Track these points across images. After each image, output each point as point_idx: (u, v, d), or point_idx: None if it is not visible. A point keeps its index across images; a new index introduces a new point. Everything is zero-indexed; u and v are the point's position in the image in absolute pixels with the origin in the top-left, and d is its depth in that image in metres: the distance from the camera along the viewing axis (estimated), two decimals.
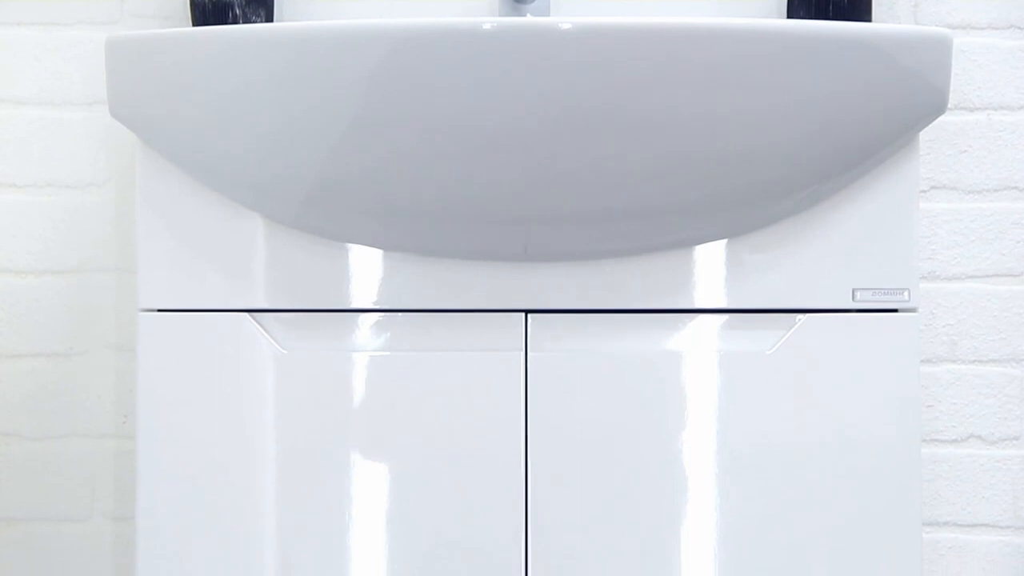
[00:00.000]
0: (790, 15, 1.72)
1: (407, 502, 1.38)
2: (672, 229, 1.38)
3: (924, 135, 1.73)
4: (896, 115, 1.35)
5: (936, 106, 1.35)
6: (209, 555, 1.38)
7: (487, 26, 1.26)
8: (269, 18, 1.73)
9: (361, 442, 1.38)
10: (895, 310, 1.40)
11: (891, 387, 1.39)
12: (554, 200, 1.33)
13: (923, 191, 1.78)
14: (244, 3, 1.72)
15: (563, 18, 1.27)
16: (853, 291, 1.39)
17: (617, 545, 1.37)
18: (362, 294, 1.39)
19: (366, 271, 1.39)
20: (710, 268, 1.39)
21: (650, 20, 1.27)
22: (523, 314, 1.39)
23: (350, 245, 1.39)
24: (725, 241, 1.39)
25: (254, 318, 1.40)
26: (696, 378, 1.38)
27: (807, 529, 1.38)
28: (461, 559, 1.37)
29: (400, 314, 1.40)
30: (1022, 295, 1.78)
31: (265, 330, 1.39)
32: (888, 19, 1.79)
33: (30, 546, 1.81)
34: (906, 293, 1.40)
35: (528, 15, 1.70)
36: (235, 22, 1.71)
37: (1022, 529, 1.77)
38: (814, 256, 1.39)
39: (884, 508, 1.38)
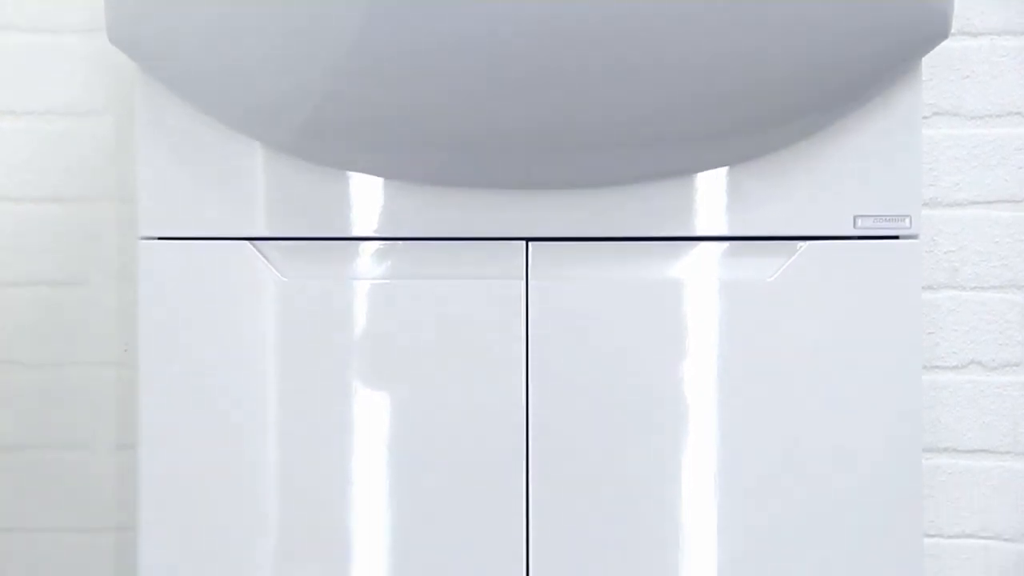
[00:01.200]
0: None
1: (408, 428, 1.38)
2: (673, 156, 1.37)
3: (926, 61, 1.72)
4: (898, 41, 1.34)
5: (938, 31, 1.34)
6: (212, 482, 1.38)
7: None
8: None
9: (362, 369, 1.38)
10: (896, 237, 1.40)
11: (892, 314, 1.39)
12: (556, 127, 1.32)
13: (925, 117, 1.77)
14: None
15: None
16: (855, 218, 1.39)
17: (616, 468, 1.38)
18: (363, 222, 1.39)
19: (367, 199, 1.39)
20: (711, 196, 1.39)
21: None
22: (524, 242, 1.39)
23: (351, 173, 1.39)
24: (726, 169, 1.39)
25: (255, 246, 1.39)
26: (697, 306, 1.38)
27: (808, 454, 1.38)
28: (463, 482, 1.38)
29: (401, 242, 1.39)
30: None
31: (266, 258, 1.39)
32: None
33: (32, 474, 1.82)
34: (908, 220, 1.39)
35: None
36: None
37: (1022, 455, 1.77)
38: (815, 183, 1.39)
39: (885, 434, 1.38)
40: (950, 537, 1.78)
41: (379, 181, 1.39)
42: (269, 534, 1.39)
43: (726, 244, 1.40)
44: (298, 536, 1.38)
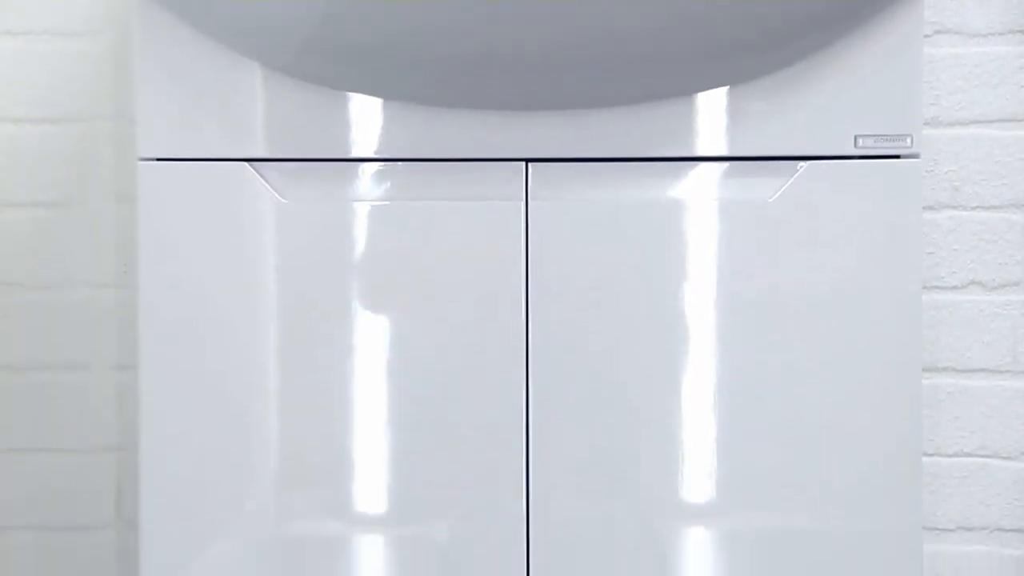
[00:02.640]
0: None
1: (408, 350, 1.39)
2: (674, 75, 1.36)
3: None
4: None
5: None
6: (211, 403, 1.39)
7: None
8: None
9: (362, 291, 1.38)
10: (897, 156, 1.39)
11: (892, 234, 1.38)
12: (555, 46, 1.31)
13: (927, 35, 1.76)
14: None
15: None
16: (855, 138, 1.39)
17: (617, 392, 1.38)
18: (362, 143, 1.39)
19: (366, 120, 1.38)
20: (712, 116, 1.38)
21: None
22: (523, 163, 1.39)
23: (350, 94, 1.38)
24: (727, 88, 1.38)
25: (253, 167, 1.39)
26: (697, 226, 1.38)
27: (808, 375, 1.38)
28: (463, 404, 1.38)
29: (400, 163, 1.39)
30: None
31: (265, 179, 1.39)
32: None
33: (32, 394, 1.82)
34: (908, 139, 1.39)
35: None
36: None
37: (1021, 373, 1.78)
38: (816, 103, 1.38)
39: (885, 353, 1.39)
40: (949, 456, 1.79)
41: (378, 102, 1.38)
42: (269, 457, 1.39)
43: (726, 164, 1.39)
44: (298, 459, 1.39)
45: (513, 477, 1.38)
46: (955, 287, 1.78)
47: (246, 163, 1.39)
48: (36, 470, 1.82)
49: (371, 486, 1.39)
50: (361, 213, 1.39)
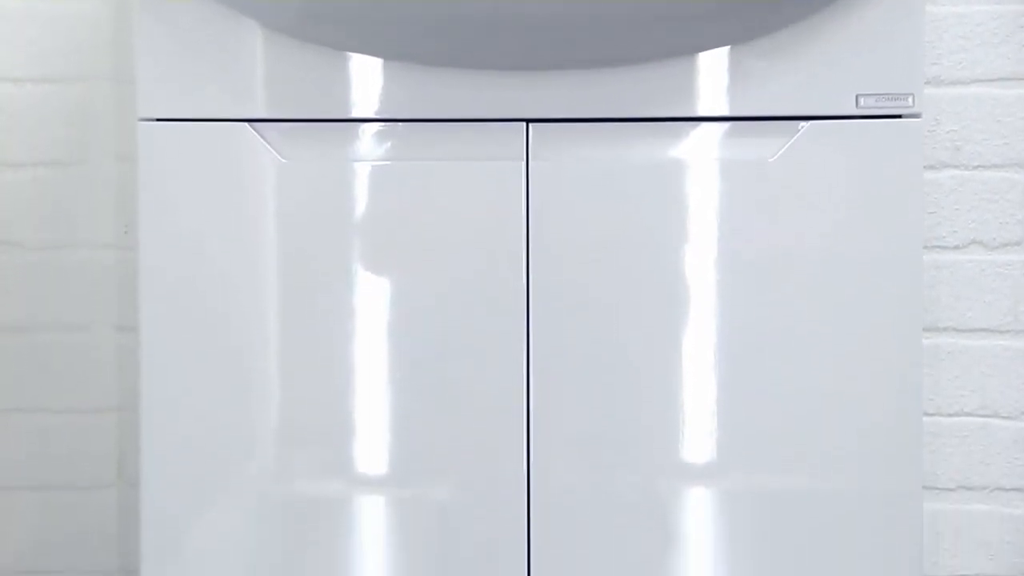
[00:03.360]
0: None
1: (408, 311, 1.39)
2: (675, 35, 1.36)
3: None
4: None
5: None
6: (212, 364, 1.39)
7: None
8: None
9: (362, 251, 1.38)
10: (899, 116, 1.39)
11: (893, 194, 1.38)
12: (556, 5, 1.31)
13: None
14: None
15: None
16: (857, 97, 1.38)
17: (617, 353, 1.38)
18: (362, 104, 1.38)
19: (366, 80, 1.38)
20: (713, 76, 1.38)
21: None
22: (524, 123, 1.38)
23: (350, 54, 1.38)
24: (728, 48, 1.38)
25: (254, 128, 1.39)
26: (698, 186, 1.38)
27: (808, 335, 1.38)
28: (464, 366, 1.38)
29: (401, 124, 1.39)
30: None
31: (265, 140, 1.39)
32: None
33: (34, 355, 1.82)
34: (910, 98, 1.39)
35: None
36: None
37: (1021, 333, 1.78)
38: (817, 62, 1.38)
39: (886, 313, 1.39)
40: (949, 415, 1.79)
41: (378, 62, 1.38)
42: (270, 418, 1.39)
43: (727, 124, 1.39)
44: (298, 419, 1.39)
45: (514, 438, 1.38)
46: (956, 247, 1.78)
47: (246, 123, 1.39)
48: (37, 430, 1.83)
49: (372, 447, 1.39)
50: (361, 173, 1.38)
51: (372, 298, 1.38)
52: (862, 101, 1.38)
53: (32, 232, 1.81)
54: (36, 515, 1.83)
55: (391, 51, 1.37)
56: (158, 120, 1.39)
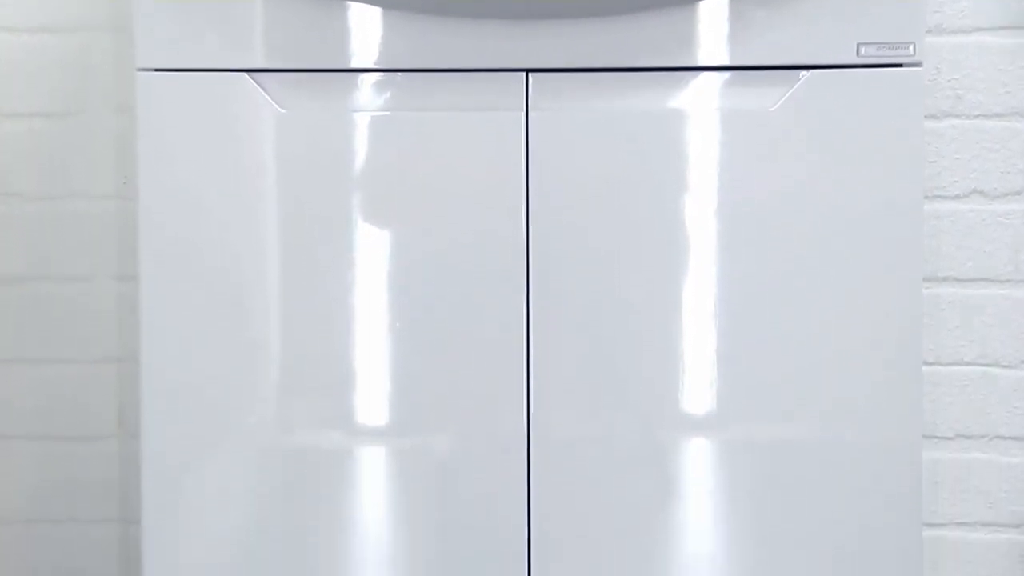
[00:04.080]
0: None
1: (408, 261, 1.39)
2: None
3: None
4: None
5: None
6: (212, 314, 1.39)
7: None
8: None
9: (362, 202, 1.38)
10: (899, 65, 1.38)
11: (894, 143, 1.38)
12: None
13: None
14: None
15: None
16: (858, 46, 1.38)
17: (617, 304, 1.38)
18: (362, 54, 1.38)
19: (366, 30, 1.38)
20: (714, 24, 1.37)
21: None
22: (524, 73, 1.38)
23: (349, 3, 1.37)
24: None
25: (253, 78, 1.38)
26: (698, 136, 1.38)
27: (809, 285, 1.38)
28: (464, 317, 1.38)
29: (400, 74, 1.38)
30: None
31: (264, 90, 1.38)
32: None
33: (35, 305, 1.82)
34: (911, 47, 1.38)
35: None
36: None
37: (1022, 283, 1.78)
38: (818, 11, 1.37)
39: (886, 263, 1.38)
40: (949, 364, 1.79)
41: (378, 11, 1.37)
42: (270, 368, 1.39)
43: (728, 74, 1.39)
44: (298, 369, 1.39)
45: (514, 389, 1.38)
46: (957, 196, 1.77)
47: (245, 73, 1.38)
48: (38, 381, 1.83)
49: (372, 398, 1.39)
50: (361, 124, 1.38)
51: (372, 249, 1.38)
52: (863, 50, 1.38)
53: (31, 183, 1.81)
54: (37, 465, 1.84)
55: (391, 0, 1.37)
56: (156, 70, 1.39)
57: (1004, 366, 1.79)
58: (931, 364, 1.79)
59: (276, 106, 1.38)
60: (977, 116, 1.77)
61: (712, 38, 1.37)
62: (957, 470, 1.81)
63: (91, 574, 1.84)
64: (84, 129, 1.81)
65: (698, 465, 1.40)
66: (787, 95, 1.38)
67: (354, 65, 1.38)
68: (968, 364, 1.79)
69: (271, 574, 1.40)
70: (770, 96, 1.38)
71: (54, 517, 1.84)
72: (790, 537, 1.39)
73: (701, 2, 1.37)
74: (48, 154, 1.81)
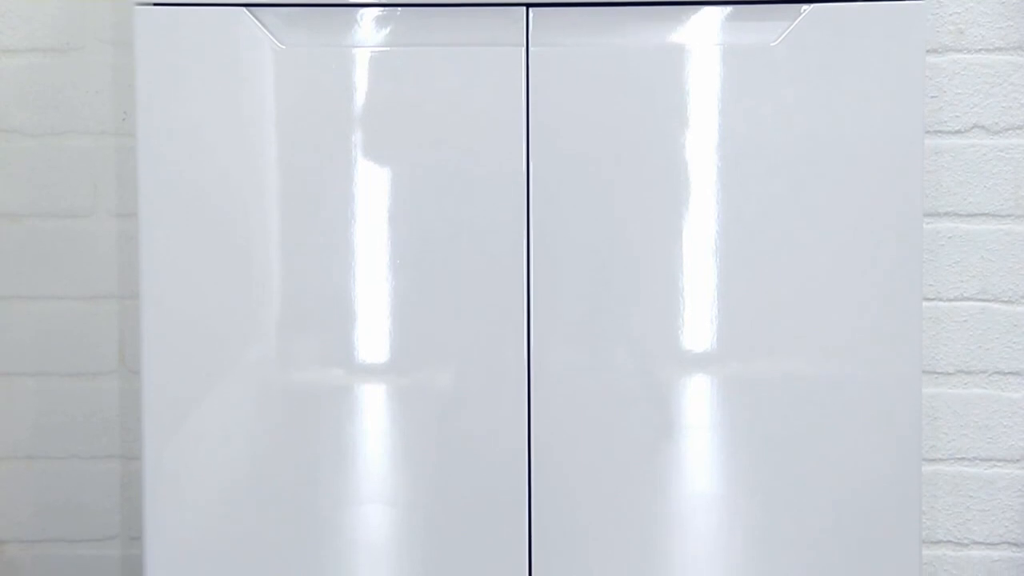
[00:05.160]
0: None
1: (408, 198, 1.38)
2: None
3: None
4: None
5: None
6: (212, 251, 1.39)
7: None
8: None
9: (362, 138, 1.38)
10: None
11: (895, 78, 1.37)
12: None
13: None
14: None
15: None
16: None
17: (618, 240, 1.38)
18: None
19: None
20: None
21: None
22: (524, 8, 1.37)
23: None
24: None
25: (251, 12, 1.38)
26: (699, 71, 1.37)
27: (809, 220, 1.38)
28: (464, 253, 1.38)
29: (400, 8, 1.38)
30: None
31: (263, 25, 1.38)
32: None
33: (35, 241, 1.82)
34: None
35: None
36: None
37: (1022, 218, 1.78)
38: None
39: (886, 198, 1.38)
40: (949, 300, 1.80)
41: None
42: (271, 305, 1.39)
43: (729, 8, 1.38)
44: (300, 305, 1.39)
45: (514, 325, 1.38)
46: (958, 131, 1.77)
47: (244, 8, 1.38)
48: (39, 317, 1.83)
49: (372, 334, 1.39)
50: (360, 59, 1.37)
51: (372, 185, 1.38)
52: None
53: (30, 118, 1.81)
54: (38, 401, 1.85)
55: None
56: (155, 4, 1.38)
57: (1004, 301, 1.79)
58: (931, 300, 1.79)
59: (275, 41, 1.37)
60: (979, 50, 1.76)
61: None
62: (956, 405, 1.81)
63: (93, 510, 1.85)
64: (82, 64, 1.80)
65: (697, 401, 1.40)
66: (789, 29, 1.37)
67: (354, 0, 1.37)
68: (968, 299, 1.79)
69: (272, 510, 1.40)
70: (772, 30, 1.37)
71: (55, 453, 1.85)
72: (789, 473, 1.40)
73: None
74: (46, 90, 1.81)
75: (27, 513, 1.86)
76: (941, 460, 1.82)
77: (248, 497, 1.41)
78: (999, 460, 1.82)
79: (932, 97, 1.76)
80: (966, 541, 1.83)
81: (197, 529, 1.41)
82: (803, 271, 1.38)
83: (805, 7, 1.37)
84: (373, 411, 1.40)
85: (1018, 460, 1.82)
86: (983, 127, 1.77)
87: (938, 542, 1.83)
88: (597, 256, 1.38)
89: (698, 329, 1.39)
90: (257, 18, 1.37)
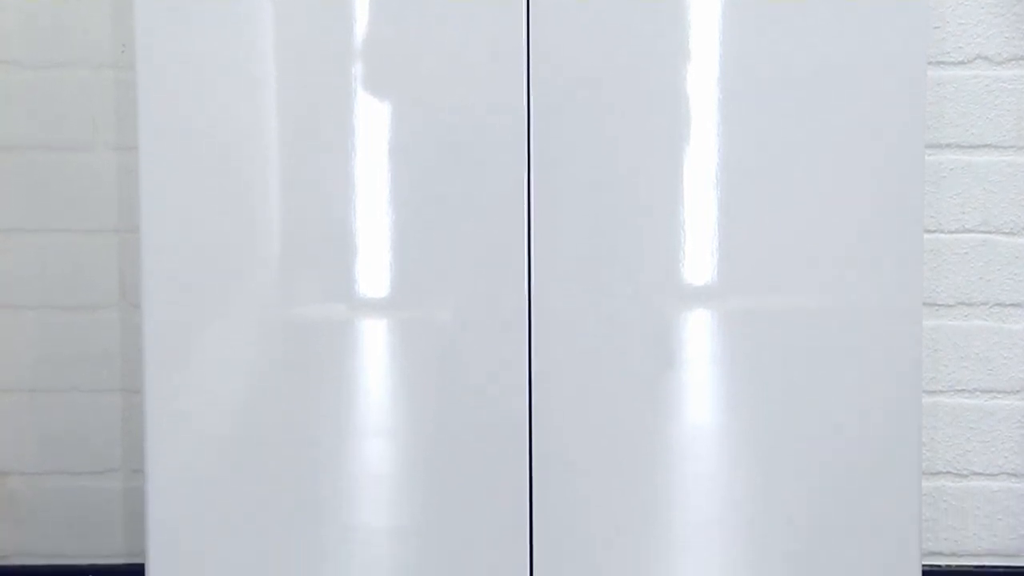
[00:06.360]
0: None
1: (409, 133, 1.38)
2: None
3: None
4: None
5: None
6: (213, 183, 1.38)
7: None
8: None
9: (362, 73, 1.37)
10: None
11: (898, 8, 1.37)
12: None
13: None
14: None
15: None
16: None
17: (619, 173, 1.38)
18: None
19: None
20: None
21: None
22: None
23: None
24: None
25: None
26: (701, 7, 1.37)
27: (808, 151, 1.38)
28: (464, 188, 1.38)
29: None
30: None
31: None
32: None
33: (35, 174, 1.82)
34: None
35: None
36: None
37: (1022, 149, 1.77)
38: None
39: (887, 130, 1.38)
40: (950, 232, 1.79)
41: None
42: (271, 238, 1.39)
43: None
44: (300, 240, 1.39)
45: (515, 259, 1.38)
46: (961, 62, 1.76)
47: None
48: (39, 250, 1.83)
49: (373, 270, 1.39)
50: None
51: (372, 118, 1.38)
52: None
53: (29, 50, 1.80)
54: (40, 334, 1.85)
55: None
56: None
57: (1006, 233, 1.79)
58: (932, 232, 1.79)
59: None
60: None
61: None
62: (957, 337, 1.81)
63: (94, 443, 1.86)
64: None
65: (698, 334, 1.40)
66: None
67: None
68: (969, 231, 1.79)
69: (272, 442, 1.41)
70: None
71: (56, 386, 1.85)
72: (790, 405, 1.40)
73: None
74: (46, 20, 1.80)
75: (29, 445, 1.86)
76: (941, 392, 1.82)
77: (249, 430, 1.41)
78: (999, 392, 1.82)
79: (935, 27, 1.75)
80: (966, 472, 1.84)
81: (198, 462, 1.41)
82: (804, 204, 1.38)
83: None
84: (374, 345, 1.40)
85: (1018, 392, 1.82)
86: (986, 58, 1.76)
87: (938, 473, 1.84)
88: (598, 189, 1.38)
89: (699, 262, 1.39)
90: None
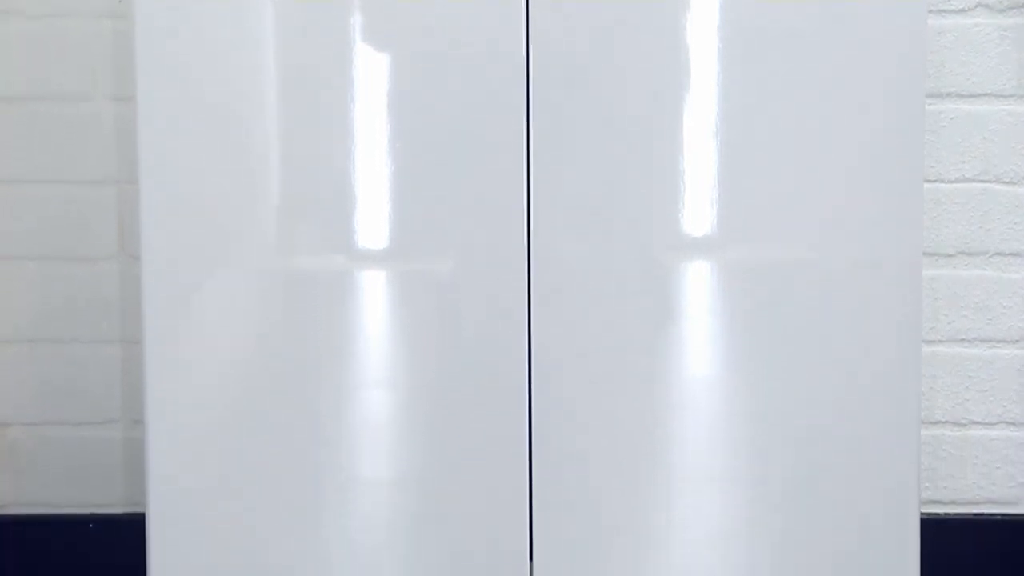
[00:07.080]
0: None
1: (409, 82, 1.37)
2: None
3: None
4: None
5: None
6: (212, 134, 1.38)
7: None
8: None
9: (361, 23, 1.37)
10: None
11: None
12: None
13: None
14: None
15: None
16: None
17: (619, 125, 1.38)
18: None
19: None
20: None
21: None
22: None
23: None
24: None
25: None
26: None
27: (808, 104, 1.37)
28: (463, 138, 1.37)
29: None
30: None
31: None
32: None
33: (34, 125, 1.82)
34: None
35: None
36: None
37: (1023, 98, 1.77)
38: None
39: (887, 79, 1.37)
40: (951, 182, 1.79)
41: None
42: (271, 189, 1.39)
43: None
44: (299, 191, 1.39)
45: (514, 211, 1.38)
46: (961, 10, 1.76)
47: None
48: (39, 201, 1.83)
49: (372, 221, 1.39)
50: None
51: (371, 69, 1.37)
52: None
53: (27, 0, 1.79)
54: (39, 285, 1.85)
55: None
56: None
57: (1006, 182, 1.79)
58: (933, 181, 1.79)
59: None
60: None
61: None
62: (956, 287, 1.82)
63: (94, 394, 1.86)
64: None
65: (698, 286, 1.40)
66: None
67: None
68: (969, 180, 1.79)
69: (271, 394, 1.41)
70: None
71: (57, 337, 1.86)
72: (788, 356, 1.40)
73: None
74: None
75: (30, 396, 1.87)
76: (941, 341, 1.83)
77: (248, 381, 1.41)
78: (998, 341, 1.82)
79: None
80: (965, 421, 1.84)
81: (198, 413, 1.42)
82: (804, 154, 1.38)
83: None
84: (373, 296, 1.41)
85: (1017, 341, 1.82)
86: (986, 6, 1.75)
87: (937, 422, 1.84)
88: (597, 140, 1.37)
89: (699, 214, 1.38)
90: None
